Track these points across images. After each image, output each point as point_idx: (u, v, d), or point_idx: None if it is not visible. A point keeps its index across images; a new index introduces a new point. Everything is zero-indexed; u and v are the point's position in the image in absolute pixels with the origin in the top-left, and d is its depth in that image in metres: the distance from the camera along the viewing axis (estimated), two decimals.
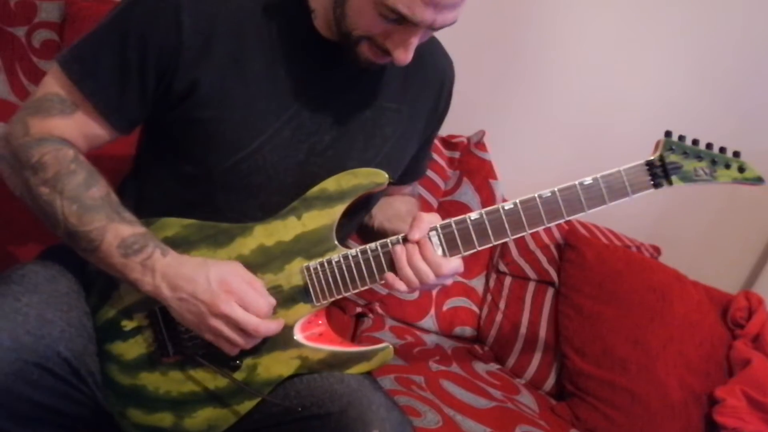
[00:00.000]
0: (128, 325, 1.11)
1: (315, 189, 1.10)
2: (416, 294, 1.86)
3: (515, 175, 1.99)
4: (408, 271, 1.06)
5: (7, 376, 0.93)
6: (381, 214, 1.28)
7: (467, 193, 1.94)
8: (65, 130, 1.05)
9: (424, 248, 1.06)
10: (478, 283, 1.95)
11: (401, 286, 1.07)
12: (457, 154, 1.97)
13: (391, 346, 1.13)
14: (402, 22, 0.96)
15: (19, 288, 1.02)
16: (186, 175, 1.10)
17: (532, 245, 1.92)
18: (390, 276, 1.07)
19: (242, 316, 1.01)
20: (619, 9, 1.94)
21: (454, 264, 1.07)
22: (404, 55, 1.01)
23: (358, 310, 1.81)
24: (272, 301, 1.06)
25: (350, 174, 1.10)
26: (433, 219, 1.08)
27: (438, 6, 0.94)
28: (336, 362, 1.11)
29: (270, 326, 1.04)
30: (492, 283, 1.94)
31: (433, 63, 1.24)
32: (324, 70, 1.10)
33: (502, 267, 1.93)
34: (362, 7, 0.98)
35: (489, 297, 1.93)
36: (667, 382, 1.63)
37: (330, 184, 1.10)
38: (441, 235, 1.08)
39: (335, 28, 1.04)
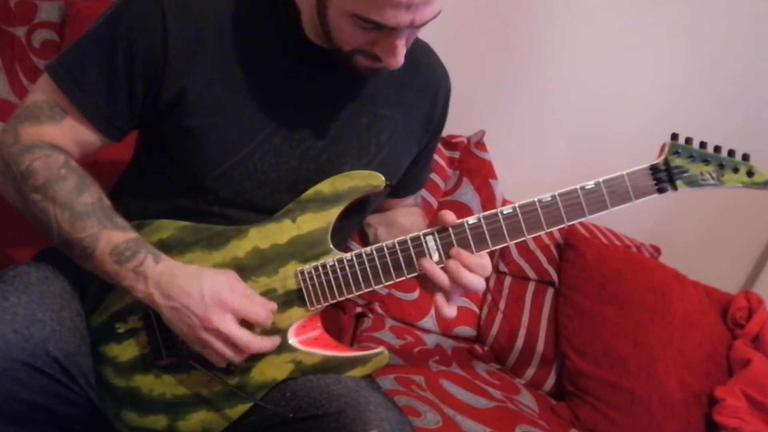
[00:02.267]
0: (123, 327, 1.11)
1: (310, 191, 1.10)
2: (416, 294, 1.86)
3: (515, 175, 1.99)
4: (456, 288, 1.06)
5: None
6: (386, 233, 1.27)
7: (467, 193, 1.94)
8: (56, 136, 1.05)
9: (462, 257, 1.05)
10: None
11: (450, 311, 1.07)
12: (457, 154, 1.97)
13: (386, 352, 1.13)
14: (380, 28, 0.95)
15: (9, 288, 1.01)
16: (179, 181, 1.10)
17: (531, 245, 1.92)
18: (440, 300, 1.07)
19: (235, 331, 1.00)
20: (620, 8, 1.93)
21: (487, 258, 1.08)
22: (394, 60, 0.99)
23: (358, 310, 1.81)
24: (273, 306, 1.06)
25: (346, 176, 1.10)
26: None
27: (410, 6, 0.92)
28: (330, 367, 1.11)
29: (263, 344, 1.04)
30: (492, 283, 1.94)
31: (428, 71, 1.23)
32: (316, 76, 1.10)
33: (502, 267, 1.93)
34: (340, 24, 0.97)
35: (489, 297, 1.93)
36: (667, 382, 1.63)
37: (325, 186, 1.10)
38: (437, 240, 1.07)
39: (328, 43, 1.03)
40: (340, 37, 1.00)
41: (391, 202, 1.32)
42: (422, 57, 1.21)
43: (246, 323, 1.03)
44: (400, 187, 1.27)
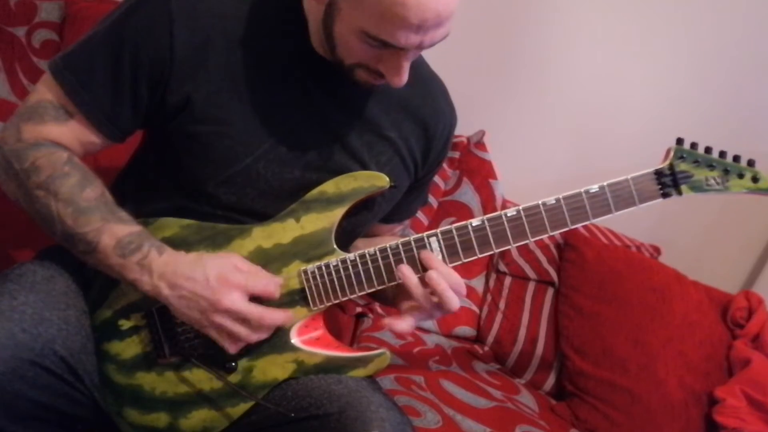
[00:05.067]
0: (125, 324, 1.11)
1: (314, 192, 1.10)
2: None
3: (515, 175, 1.99)
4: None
5: (4, 374, 0.93)
6: None
7: (467, 193, 1.94)
8: (59, 135, 1.05)
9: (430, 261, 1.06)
10: (478, 283, 1.94)
11: (402, 325, 1.08)
12: (457, 154, 1.97)
13: (388, 353, 1.13)
14: (388, 47, 0.95)
15: (16, 286, 1.02)
16: (183, 183, 1.10)
17: (531, 245, 1.91)
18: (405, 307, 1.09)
19: (246, 307, 1.00)
20: (620, 8, 1.93)
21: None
22: (398, 79, 1.00)
23: (358, 309, 1.81)
24: (278, 280, 1.06)
25: (350, 177, 1.10)
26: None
27: (421, 28, 0.92)
28: (332, 367, 1.11)
29: (276, 316, 1.03)
30: (492, 283, 1.94)
31: (434, 105, 1.22)
32: (323, 89, 1.10)
33: (502, 267, 1.93)
34: (347, 39, 0.97)
35: (489, 297, 1.93)
36: (667, 382, 1.63)
37: (329, 186, 1.10)
38: (441, 242, 1.07)
39: (330, 55, 1.04)
40: (344, 51, 1.00)
41: (380, 227, 1.32)
42: (432, 90, 1.21)
43: (256, 301, 1.03)
44: (391, 213, 1.27)
